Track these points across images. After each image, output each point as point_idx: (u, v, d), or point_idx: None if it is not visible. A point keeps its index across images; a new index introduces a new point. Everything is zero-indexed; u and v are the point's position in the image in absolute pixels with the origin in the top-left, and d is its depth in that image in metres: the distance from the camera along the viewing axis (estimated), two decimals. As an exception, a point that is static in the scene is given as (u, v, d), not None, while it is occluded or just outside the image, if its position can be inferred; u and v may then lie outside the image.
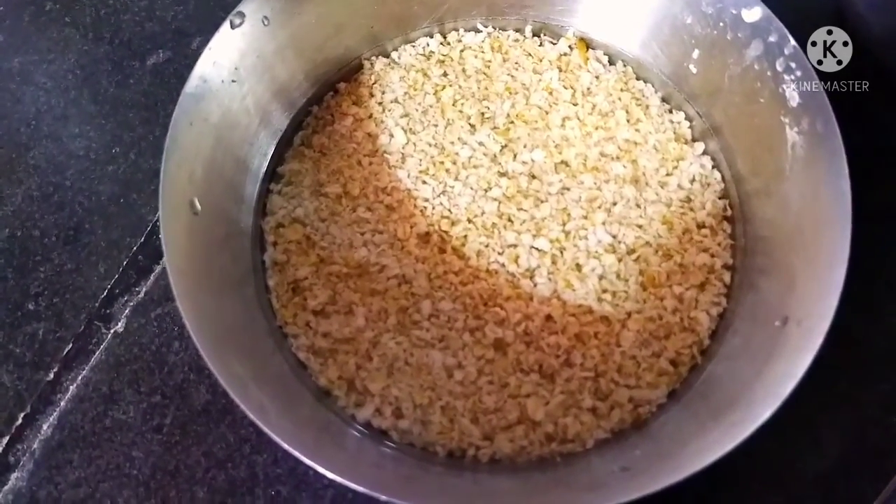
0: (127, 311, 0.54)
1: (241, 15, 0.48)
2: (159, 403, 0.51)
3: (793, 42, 0.47)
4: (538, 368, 0.48)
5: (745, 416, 0.39)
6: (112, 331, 0.53)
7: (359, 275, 0.51)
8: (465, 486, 0.45)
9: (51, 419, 0.52)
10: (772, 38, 0.48)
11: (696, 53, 0.53)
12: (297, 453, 0.39)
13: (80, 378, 0.52)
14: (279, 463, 0.50)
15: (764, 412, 0.38)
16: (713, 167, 0.54)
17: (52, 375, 0.52)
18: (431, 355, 0.49)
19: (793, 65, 0.47)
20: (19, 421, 0.52)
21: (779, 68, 0.48)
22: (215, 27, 0.48)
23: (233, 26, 0.48)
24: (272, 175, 0.54)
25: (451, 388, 0.48)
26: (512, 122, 0.56)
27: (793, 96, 0.47)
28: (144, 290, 0.54)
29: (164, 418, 0.51)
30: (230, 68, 0.49)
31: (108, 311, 0.54)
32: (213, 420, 0.51)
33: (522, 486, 0.45)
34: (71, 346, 0.53)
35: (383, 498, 0.39)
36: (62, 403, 0.52)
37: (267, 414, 0.40)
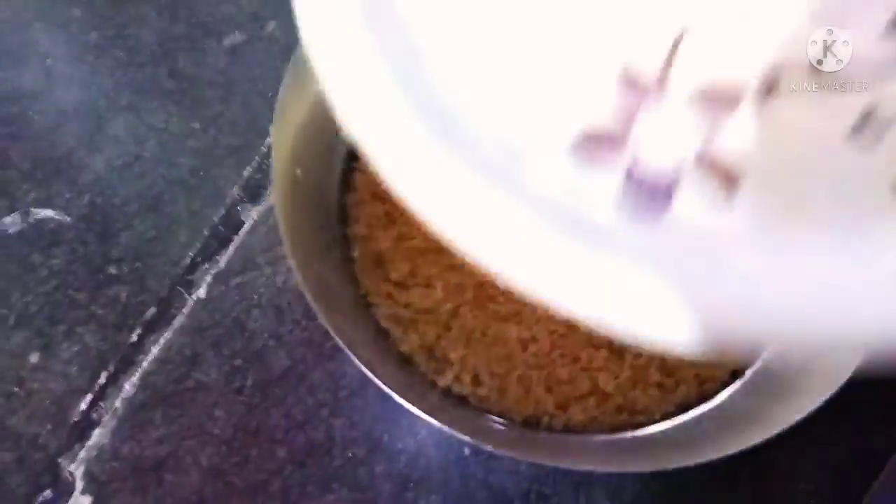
0: (208, 278, 0.56)
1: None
2: (240, 367, 0.53)
3: None
4: (608, 345, 0.51)
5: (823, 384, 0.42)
6: (194, 297, 0.55)
7: (436, 251, 0.53)
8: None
9: (133, 379, 0.53)
10: None
11: None
12: (398, 398, 0.41)
13: (162, 340, 0.54)
14: (355, 426, 0.52)
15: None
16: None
17: (134, 337, 0.54)
18: (507, 328, 0.51)
19: None
20: (102, 380, 0.53)
21: None
22: (289, 10, 0.50)
23: None
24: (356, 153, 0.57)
25: (526, 359, 0.50)
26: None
27: None
28: (225, 259, 0.57)
29: (245, 381, 0.53)
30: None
31: (189, 277, 0.56)
32: (291, 385, 0.53)
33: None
34: (154, 309, 0.55)
35: (467, 439, 0.42)
36: (144, 364, 0.54)
37: (375, 369, 0.42)
